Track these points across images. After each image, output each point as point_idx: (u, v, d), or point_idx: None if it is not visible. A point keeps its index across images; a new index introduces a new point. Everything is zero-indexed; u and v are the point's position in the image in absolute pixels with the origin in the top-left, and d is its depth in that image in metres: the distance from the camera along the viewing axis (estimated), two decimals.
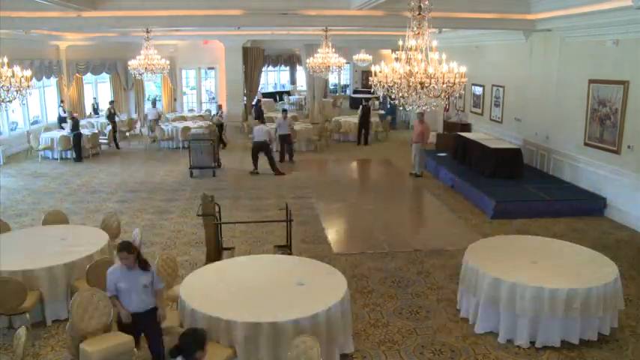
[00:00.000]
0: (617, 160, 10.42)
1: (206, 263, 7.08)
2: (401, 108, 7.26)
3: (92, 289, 5.48)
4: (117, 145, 17.85)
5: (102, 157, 16.66)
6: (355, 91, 31.33)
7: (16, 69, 8.16)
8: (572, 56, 11.97)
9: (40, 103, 18.89)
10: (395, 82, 6.57)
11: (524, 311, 5.73)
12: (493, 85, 16.01)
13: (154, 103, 19.75)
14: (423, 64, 6.46)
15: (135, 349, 5.18)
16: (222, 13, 11.48)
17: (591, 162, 11.22)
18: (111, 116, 18.09)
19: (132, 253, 5.07)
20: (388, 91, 6.69)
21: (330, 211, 11.12)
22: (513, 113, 14.78)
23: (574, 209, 10.57)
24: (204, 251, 6.98)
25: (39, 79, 17.36)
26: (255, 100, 22.49)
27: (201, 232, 8.29)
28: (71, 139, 15.51)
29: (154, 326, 5.22)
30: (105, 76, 21.75)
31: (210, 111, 22.34)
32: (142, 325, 5.19)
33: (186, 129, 17.51)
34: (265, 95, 29.27)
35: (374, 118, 19.97)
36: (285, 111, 16.58)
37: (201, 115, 21.09)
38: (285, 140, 15.63)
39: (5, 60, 8.10)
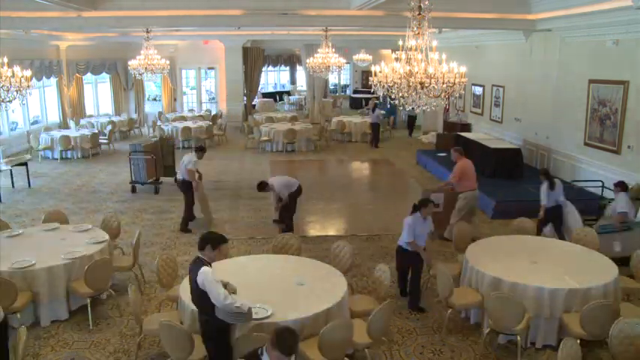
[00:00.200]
0: (617, 160, 10.42)
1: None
2: (401, 108, 7.26)
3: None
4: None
5: (102, 157, 16.66)
6: (355, 91, 31.33)
7: (16, 69, 8.16)
8: (572, 56, 11.98)
9: (40, 103, 18.90)
10: (395, 82, 6.56)
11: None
12: (493, 85, 16.01)
13: None
14: (423, 64, 6.45)
15: None
16: (222, 13, 11.48)
17: (591, 162, 11.22)
18: None
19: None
20: (388, 91, 6.68)
21: (330, 211, 11.11)
22: (513, 113, 14.78)
23: None
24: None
25: (39, 79, 17.36)
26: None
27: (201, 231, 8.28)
28: None
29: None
30: (105, 76, 21.75)
31: (210, 111, 22.36)
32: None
33: (186, 129, 17.52)
34: (265, 95, 29.30)
35: None
36: None
37: (201, 115, 21.10)
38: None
39: (5, 60, 8.10)
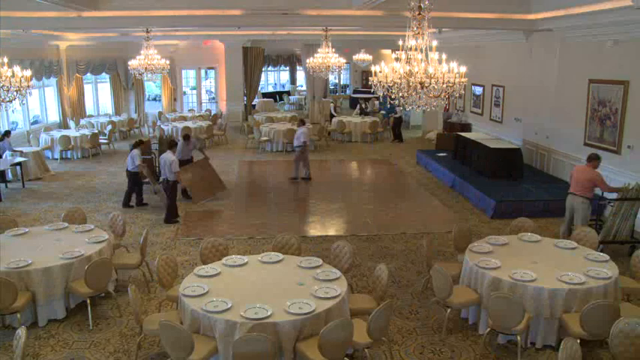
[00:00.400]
0: (617, 160, 10.42)
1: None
2: (401, 108, 7.26)
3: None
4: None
5: (102, 157, 16.66)
6: (355, 91, 31.33)
7: (16, 69, 8.15)
8: (572, 56, 11.98)
9: (40, 103, 18.91)
10: (395, 82, 6.56)
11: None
12: (493, 85, 16.01)
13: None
14: (423, 64, 6.45)
15: None
16: (222, 13, 11.48)
17: None
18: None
19: None
20: (388, 91, 6.68)
21: (330, 211, 11.11)
22: (513, 113, 14.78)
23: None
24: (204, 252, 7.00)
25: (39, 79, 17.38)
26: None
27: (201, 231, 8.26)
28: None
29: None
30: (105, 76, 21.76)
31: (210, 111, 22.36)
32: None
33: (186, 129, 17.50)
34: (265, 95, 29.29)
35: (375, 119, 19.98)
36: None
37: (201, 115, 21.10)
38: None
39: (5, 60, 8.10)
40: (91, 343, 6.01)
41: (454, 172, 13.09)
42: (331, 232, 9.98)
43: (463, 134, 15.05)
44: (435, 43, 6.52)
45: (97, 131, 17.38)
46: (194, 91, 24.85)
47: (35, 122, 18.56)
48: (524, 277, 5.86)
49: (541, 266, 6.20)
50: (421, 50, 6.49)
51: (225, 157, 16.51)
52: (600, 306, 5.26)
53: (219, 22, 13.54)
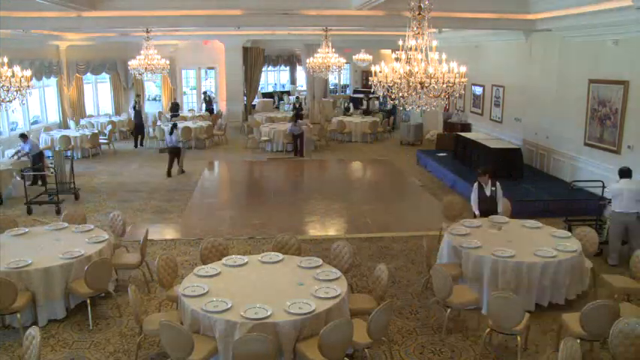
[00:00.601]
0: (617, 160, 10.41)
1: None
2: (401, 108, 7.27)
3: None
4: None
5: (102, 157, 16.65)
6: (355, 91, 31.29)
7: (16, 69, 8.16)
8: (572, 56, 11.97)
9: (40, 103, 18.87)
10: (395, 82, 6.57)
11: (507, 284, 6.37)
12: (493, 85, 16.01)
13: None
14: (423, 64, 6.45)
15: None
16: (222, 13, 11.47)
17: (591, 162, 11.22)
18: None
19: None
20: (388, 91, 6.68)
21: (330, 211, 11.12)
22: (513, 113, 14.78)
23: (574, 209, 10.56)
24: (204, 252, 7.00)
25: (39, 79, 17.35)
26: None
27: (201, 231, 8.26)
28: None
29: None
30: (105, 76, 21.75)
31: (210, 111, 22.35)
32: None
33: (186, 129, 17.50)
34: (265, 95, 29.22)
35: (375, 119, 19.98)
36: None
37: (201, 115, 21.09)
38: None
39: (5, 60, 8.10)
40: (91, 343, 6.01)
41: (454, 172, 13.09)
42: (331, 232, 9.98)
43: (463, 134, 15.05)
44: (435, 43, 6.52)
45: (97, 131, 17.38)
46: (194, 91, 24.83)
47: (35, 122, 18.53)
48: (504, 254, 6.55)
49: (516, 244, 6.88)
50: (421, 50, 6.49)
51: (225, 157, 16.51)
52: (600, 306, 5.27)
53: (219, 22, 13.54)
